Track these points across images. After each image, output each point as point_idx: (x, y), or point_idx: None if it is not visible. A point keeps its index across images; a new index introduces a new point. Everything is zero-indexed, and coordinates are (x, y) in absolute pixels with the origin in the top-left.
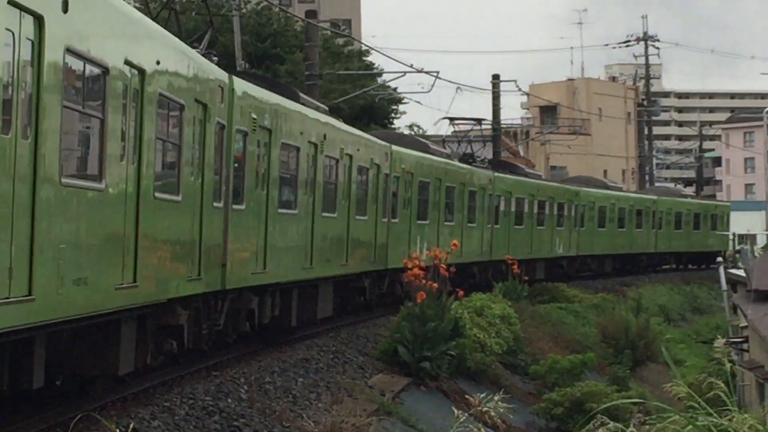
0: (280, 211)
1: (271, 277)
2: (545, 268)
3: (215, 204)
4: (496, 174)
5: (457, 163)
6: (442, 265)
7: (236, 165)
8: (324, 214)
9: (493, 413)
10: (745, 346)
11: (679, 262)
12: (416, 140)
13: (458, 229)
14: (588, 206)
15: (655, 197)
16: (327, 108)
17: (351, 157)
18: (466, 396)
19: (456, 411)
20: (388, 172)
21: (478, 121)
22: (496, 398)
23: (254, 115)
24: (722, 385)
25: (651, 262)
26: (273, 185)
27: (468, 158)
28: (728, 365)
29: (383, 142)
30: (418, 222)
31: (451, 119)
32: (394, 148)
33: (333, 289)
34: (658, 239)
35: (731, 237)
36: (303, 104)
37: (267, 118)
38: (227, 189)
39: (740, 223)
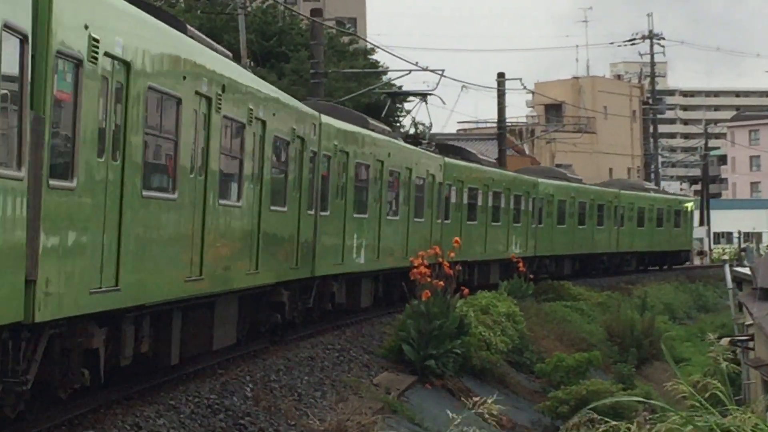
0: (354, 215)
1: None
2: (500, 271)
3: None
4: (447, 159)
5: (402, 143)
6: (446, 264)
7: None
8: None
9: (487, 415)
10: (750, 344)
11: (641, 263)
12: (350, 112)
13: (403, 225)
14: (547, 200)
15: (617, 191)
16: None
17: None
18: (468, 396)
19: (450, 414)
20: (315, 149)
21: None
22: (489, 401)
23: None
24: (718, 384)
25: (612, 263)
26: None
27: (413, 139)
28: (724, 364)
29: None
30: (355, 216)
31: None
32: (324, 119)
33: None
34: (620, 238)
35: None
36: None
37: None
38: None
39: (746, 221)
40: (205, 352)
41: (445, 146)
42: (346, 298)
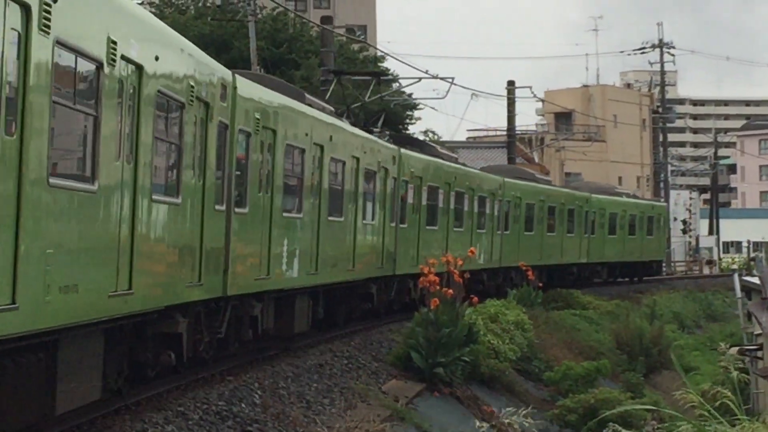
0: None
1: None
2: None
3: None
4: (403, 151)
5: (348, 126)
6: (456, 272)
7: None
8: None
9: (516, 426)
10: (759, 353)
11: (611, 274)
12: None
13: (346, 229)
14: (514, 203)
15: (588, 194)
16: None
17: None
18: (484, 407)
19: (477, 423)
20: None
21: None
22: (522, 412)
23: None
24: (728, 393)
25: (582, 275)
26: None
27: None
28: (735, 373)
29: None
30: (286, 214)
31: None
32: (240, 85)
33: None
34: (591, 247)
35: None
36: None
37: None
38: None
39: (755, 230)
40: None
41: (402, 137)
42: (275, 321)
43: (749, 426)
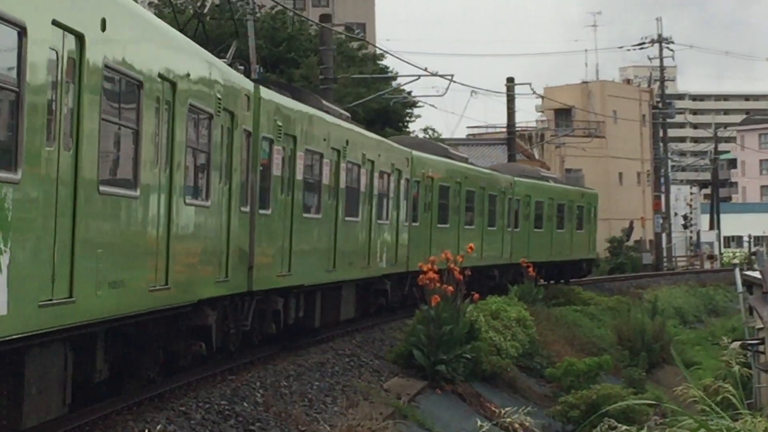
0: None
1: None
2: (356, 295)
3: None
4: (415, 153)
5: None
6: (457, 269)
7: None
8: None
9: (517, 425)
10: (761, 347)
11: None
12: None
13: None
14: (425, 185)
15: (512, 177)
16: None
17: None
18: (487, 404)
19: (479, 421)
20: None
21: None
22: (522, 410)
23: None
24: (730, 388)
25: (504, 279)
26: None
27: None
28: (737, 368)
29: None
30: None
31: None
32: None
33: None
34: (515, 243)
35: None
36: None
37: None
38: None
39: (756, 224)
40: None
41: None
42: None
43: (751, 420)
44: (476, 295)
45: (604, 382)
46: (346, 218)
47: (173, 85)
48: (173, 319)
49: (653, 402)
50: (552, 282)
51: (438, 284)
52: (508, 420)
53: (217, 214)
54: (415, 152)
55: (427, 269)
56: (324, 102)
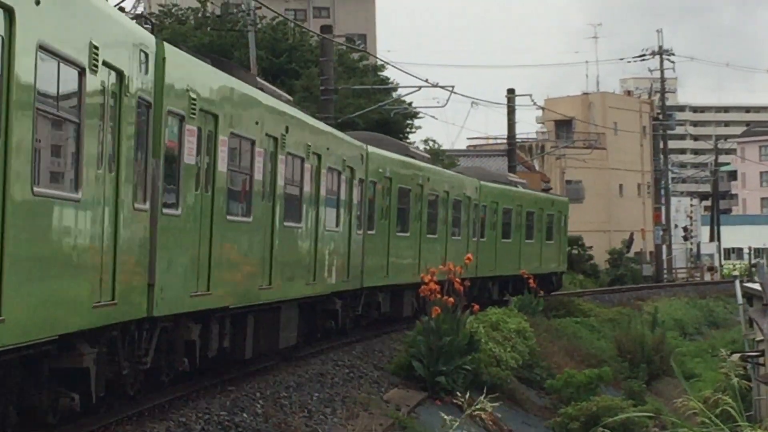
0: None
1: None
2: (299, 318)
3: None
4: (371, 149)
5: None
6: (457, 280)
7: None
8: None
9: (484, 416)
10: (761, 359)
11: (503, 292)
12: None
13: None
14: (383, 186)
15: (478, 181)
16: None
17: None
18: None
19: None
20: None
21: None
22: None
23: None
24: (730, 400)
25: (470, 298)
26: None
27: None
28: (735, 380)
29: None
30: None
31: None
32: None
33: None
34: (480, 255)
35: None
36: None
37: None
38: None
39: (756, 236)
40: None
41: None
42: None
43: None
44: (476, 307)
45: (603, 393)
46: (286, 224)
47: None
48: (30, 360)
49: (653, 414)
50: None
51: (438, 295)
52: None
53: (94, 212)
54: (371, 148)
55: (428, 280)
56: (259, 79)
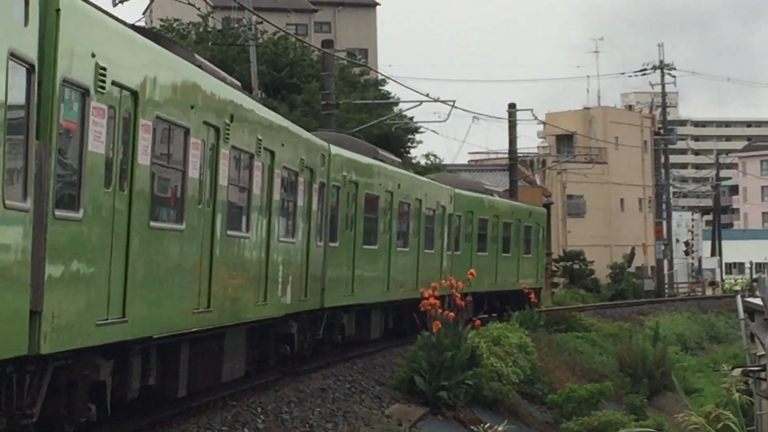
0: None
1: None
2: (247, 345)
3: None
4: (334, 149)
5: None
6: (458, 295)
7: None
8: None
9: None
10: (762, 374)
11: (477, 309)
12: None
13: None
14: (348, 192)
15: (452, 189)
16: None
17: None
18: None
19: None
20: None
21: None
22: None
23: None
24: (731, 415)
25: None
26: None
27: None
28: (737, 395)
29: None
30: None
31: None
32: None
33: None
34: (455, 270)
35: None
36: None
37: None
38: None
39: (758, 251)
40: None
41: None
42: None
43: None
44: (477, 322)
45: (605, 408)
46: (229, 232)
47: None
48: None
49: (655, 429)
50: (494, 315)
51: (439, 311)
52: None
53: None
54: (334, 148)
55: (428, 295)
56: (197, 56)
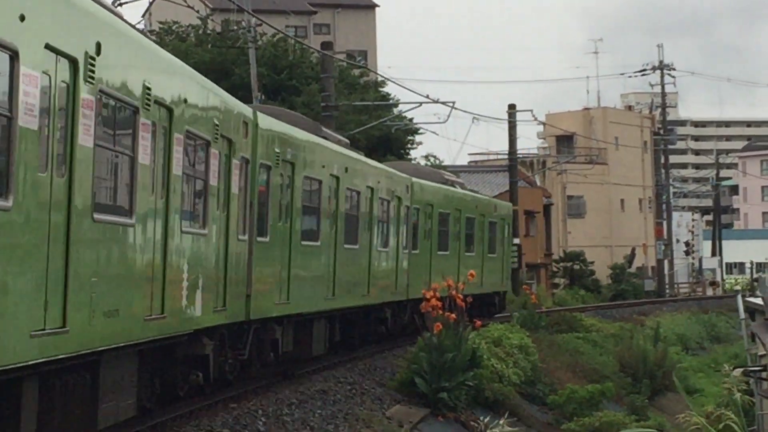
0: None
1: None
2: (142, 374)
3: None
4: (415, 180)
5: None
6: (459, 296)
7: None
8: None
9: None
10: (763, 374)
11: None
12: None
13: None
14: (282, 173)
15: (409, 178)
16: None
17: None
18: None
19: None
20: None
21: None
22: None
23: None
24: (732, 415)
25: (397, 322)
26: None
27: None
28: (738, 395)
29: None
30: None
31: None
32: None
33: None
34: (412, 272)
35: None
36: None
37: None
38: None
39: (758, 251)
40: None
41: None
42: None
43: None
44: (478, 323)
45: (606, 409)
46: (96, 216)
47: None
48: None
49: (656, 429)
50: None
51: (441, 312)
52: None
53: None
54: (263, 117)
55: (429, 296)
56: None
